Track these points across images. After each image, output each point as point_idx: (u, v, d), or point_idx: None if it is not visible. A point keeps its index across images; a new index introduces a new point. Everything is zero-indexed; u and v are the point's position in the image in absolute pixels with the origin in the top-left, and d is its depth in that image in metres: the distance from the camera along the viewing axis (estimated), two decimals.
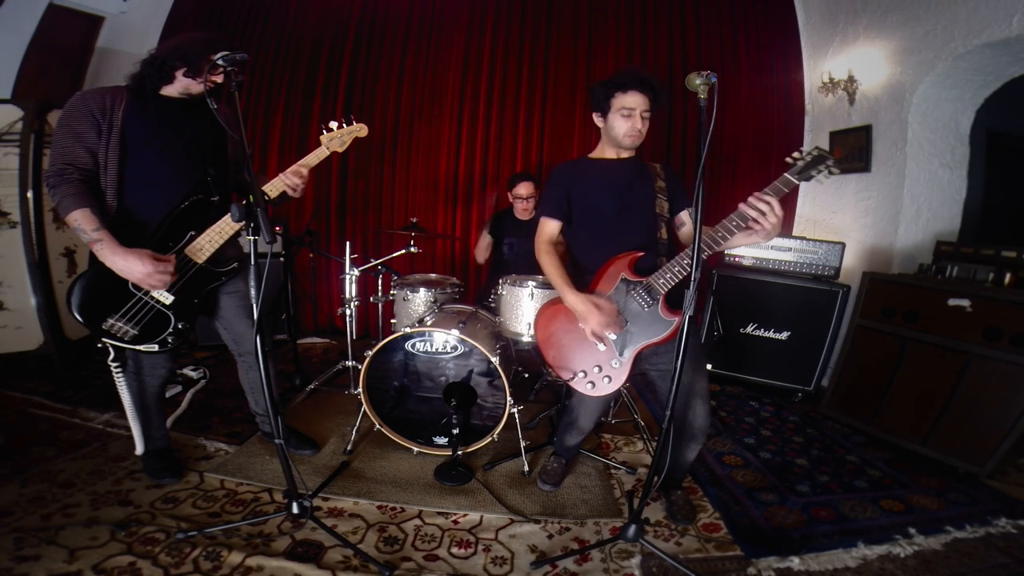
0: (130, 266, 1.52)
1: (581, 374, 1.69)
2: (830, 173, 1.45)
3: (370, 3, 3.92)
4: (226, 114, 1.70)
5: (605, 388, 1.68)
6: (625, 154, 1.76)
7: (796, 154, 1.48)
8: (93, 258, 1.58)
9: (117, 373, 1.73)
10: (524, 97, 3.93)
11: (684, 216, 1.75)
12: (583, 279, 1.73)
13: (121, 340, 1.61)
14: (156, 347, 1.66)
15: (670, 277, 1.57)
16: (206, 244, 1.68)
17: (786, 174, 1.46)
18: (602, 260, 1.68)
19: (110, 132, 1.56)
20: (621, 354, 1.64)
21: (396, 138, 3.97)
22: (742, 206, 1.47)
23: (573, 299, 1.63)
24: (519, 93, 3.93)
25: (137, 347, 1.64)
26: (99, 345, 1.64)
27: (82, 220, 1.51)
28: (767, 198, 1.44)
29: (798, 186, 1.49)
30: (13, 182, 2.66)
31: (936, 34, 2.79)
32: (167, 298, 1.64)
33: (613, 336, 1.63)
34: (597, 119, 1.75)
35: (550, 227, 1.79)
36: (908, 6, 2.95)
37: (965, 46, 2.64)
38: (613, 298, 1.64)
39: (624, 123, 1.66)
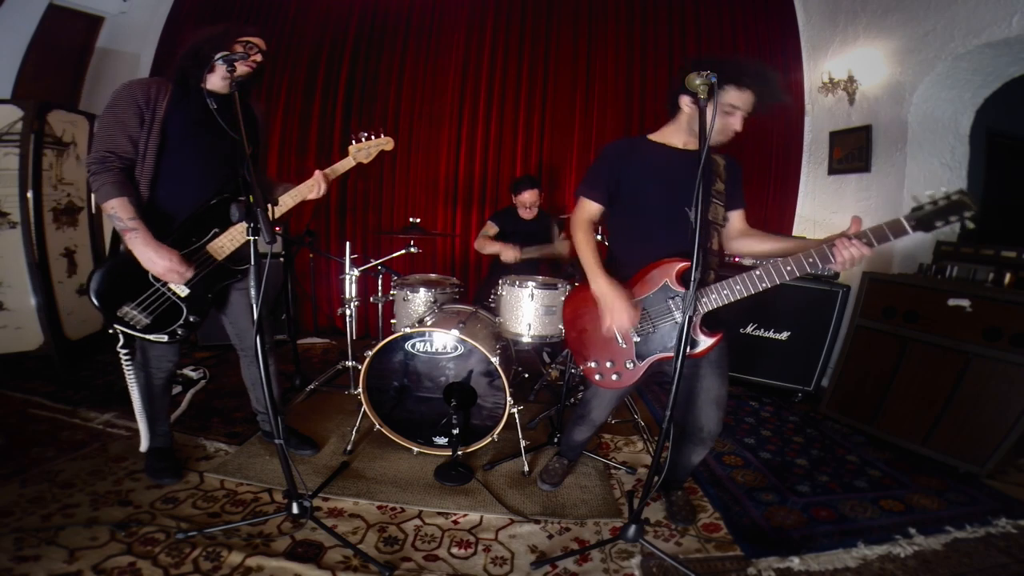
0: (157, 259, 1.56)
1: (593, 363, 1.66)
2: (968, 225, 1.22)
3: (370, 3, 3.92)
4: (260, 115, 1.73)
5: (611, 383, 1.65)
6: (693, 145, 1.55)
7: (930, 192, 1.24)
8: (115, 248, 1.61)
9: (127, 362, 1.76)
10: (524, 97, 3.93)
11: (731, 215, 1.65)
12: (619, 272, 1.59)
13: (133, 328, 1.65)
14: (165, 337, 1.69)
15: (715, 299, 1.46)
16: (227, 243, 1.71)
17: (902, 219, 1.25)
18: (642, 258, 1.57)
19: (152, 123, 1.59)
20: (639, 359, 1.59)
21: (396, 138, 3.94)
22: (830, 249, 1.31)
23: (604, 285, 1.51)
24: (519, 93, 3.93)
25: (147, 336, 1.67)
26: (110, 331, 1.68)
27: (119, 208, 1.54)
28: (863, 250, 1.28)
29: (908, 235, 1.26)
30: (13, 182, 2.66)
31: (936, 34, 2.79)
32: (183, 291, 1.68)
33: (637, 338, 1.57)
34: (686, 104, 1.52)
35: (590, 209, 1.65)
36: (908, 6, 2.95)
37: (965, 46, 2.64)
38: (649, 302, 1.55)
39: (719, 119, 1.42)
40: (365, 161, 1.94)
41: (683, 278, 1.50)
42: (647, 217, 1.60)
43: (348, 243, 2.87)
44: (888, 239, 1.27)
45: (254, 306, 1.40)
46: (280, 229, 3.26)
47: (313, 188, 1.83)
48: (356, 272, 2.78)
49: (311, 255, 3.35)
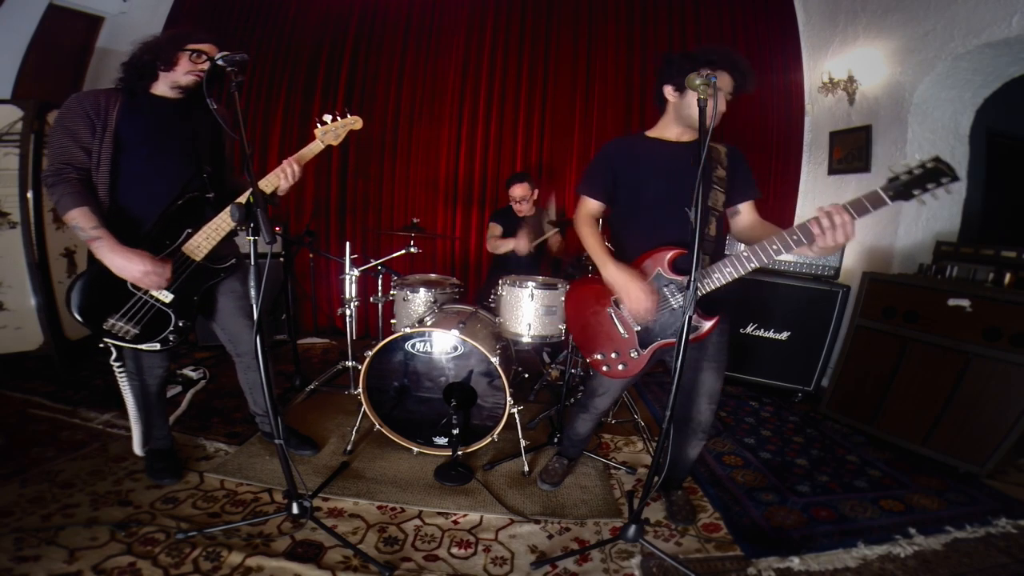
0: (129, 264, 1.53)
1: (599, 355, 1.69)
2: (947, 192, 1.22)
3: (370, 3, 3.92)
4: (225, 115, 1.70)
5: (618, 373, 1.68)
6: (687, 136, 1.61)
7: (906, 162, 1.24)
8: (92, 258, 1.58)
9: (120, 374, 1.74)
10: (524, 96, 3.93)
11: (742, 207, 1.64)
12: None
13: (123, 340, 1.62)
14: (158, 346, 1.66)
15: (707, 283, 1.49)
16: (203, 241, 1.68)
17: (879, 190, 1.25)
18: (641, 249, 1.60)
19: (104, 131, 1.57)
20: (642, 347, 1.62)
21: (396, 138, 3.97)
22: (810, 222, 1.32)
23: (614, 271, 1.54)
24: (519, 92, 3.93)
25: (139, 346, 1.65)
26: (100, 346, 1.64)
27: (80, 218, 1.52)
28: (844, 217, 1.27)
29: (887, 205, 1.26)
30: (13, 182, 2.66)
31: (936, 34, 2.79)
32: (167, 296, 1.65)
33: (637, 327, 1.61)
34: (670, 93, 1.58)
35: (589, 207, 1.71)
36: (908, 6, 2.95)
37: (965, 46, 2.64)
38: None
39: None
40: (334, 143, 1.87)
41: (676, 265, 1.55)
42: (646, 211, 1.63)
43: (348, 243, 2.86)
44: (868, 210, 1.27)
45: (254, 306, 1.39)
46: (280, 229, 3.27)
47: (281, 176, 1.73)
48: (356, 272, 2.77)
49: (311, 255, 3.35)
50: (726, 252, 1.64)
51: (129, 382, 1.78)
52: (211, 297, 1.82)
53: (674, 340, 1.55)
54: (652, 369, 1.77)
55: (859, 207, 1.28)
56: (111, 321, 1.60)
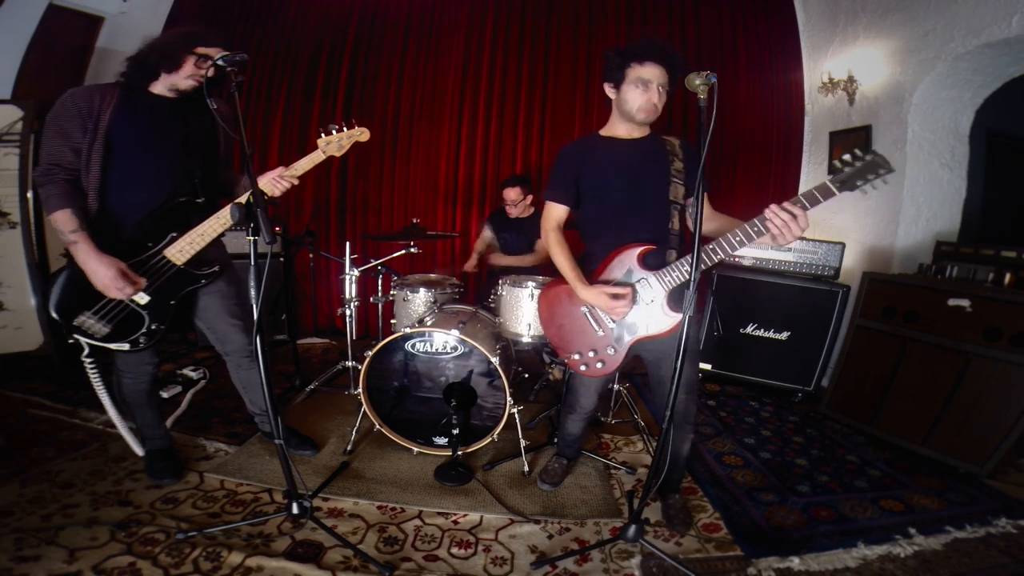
0: (98, 270, 1.52)
1: (576, 355, 1.70)
2: (884, 182, 1.31)
3: (370, 3, 3.92)
4: (226, 114, 1.69)
5: (597, 371, 1.70)
6: (638, 132, 1.65)
7: (846, 156, 1.34)
8: (70, 255, 1.58)
9: (92, 371, 1.72)
10: (524, 97, 3.93)
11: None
12: (590, 265, 1.68)
13: (92, 337, 1.61)
14: (127, 346, 1.65)
15: (676, 276, 1.54)
16: (187, 246, 1.66)
17: (827, 182, 1.34)
18: (609, 246, 1.63)
19: (95, 131, 1.55)
20: (618, 342, 1.65)
21: (396, 138, 3.97)
22: (767, 213, 1.38)
23: (589, 294, 1.59)
24: (519, 93, 3.93)
25: (107, 345, 1.64)
26: (70, 341, 1.63)
27: (62, 220, 1.51)
28: (795, 209, 1.34)
29: (835, 195, 1.35)
30: (13, 182, 2.67)
31: (936, 34, 2.79)
32: (143, 298, 1.63)
33: (612, 324, 1.64)
34: (609, 90, 1.64)
35: (556, 212, 1.72)
36: (908, 6, 2.95)
37: (965, 46, 2.63)
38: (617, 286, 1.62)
39: (639, 96, 1.55)
40: (337, 154, 1.82)
41: (645, 261, 1.59)
42: (610, 208, 1.67)
43: (348, 243, 2.86)
44: (819, 201, 1.35)
45: (254, 306, 1.39)
46: (280, 229, 3.27)
47: (275, 188, 1.71)
48: (356, 272, 2.77)
49: (311, 255, 3.35)
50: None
51: (106, 381, 1.76)
52: (192, 300, 1.80)
53: (648, 334, 1.61)
54: (628, 365, 1.79)
55: (811, 198, 1.36)
56: (82, 318, 1.59)
